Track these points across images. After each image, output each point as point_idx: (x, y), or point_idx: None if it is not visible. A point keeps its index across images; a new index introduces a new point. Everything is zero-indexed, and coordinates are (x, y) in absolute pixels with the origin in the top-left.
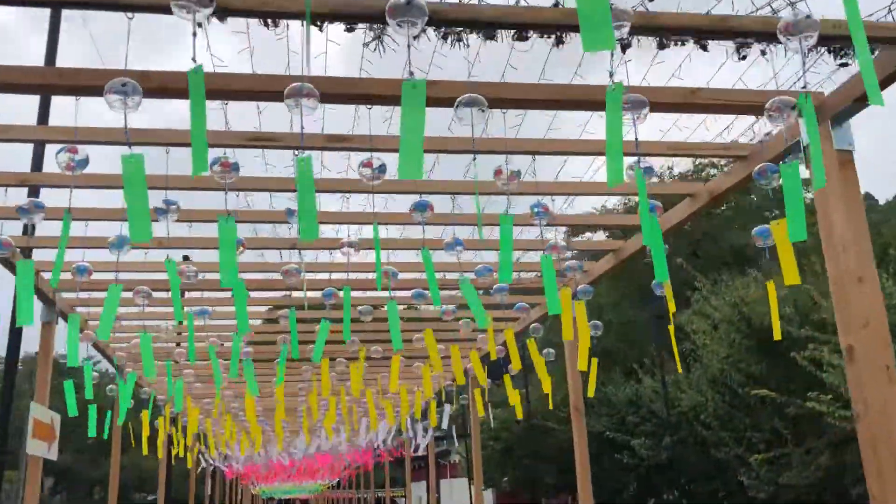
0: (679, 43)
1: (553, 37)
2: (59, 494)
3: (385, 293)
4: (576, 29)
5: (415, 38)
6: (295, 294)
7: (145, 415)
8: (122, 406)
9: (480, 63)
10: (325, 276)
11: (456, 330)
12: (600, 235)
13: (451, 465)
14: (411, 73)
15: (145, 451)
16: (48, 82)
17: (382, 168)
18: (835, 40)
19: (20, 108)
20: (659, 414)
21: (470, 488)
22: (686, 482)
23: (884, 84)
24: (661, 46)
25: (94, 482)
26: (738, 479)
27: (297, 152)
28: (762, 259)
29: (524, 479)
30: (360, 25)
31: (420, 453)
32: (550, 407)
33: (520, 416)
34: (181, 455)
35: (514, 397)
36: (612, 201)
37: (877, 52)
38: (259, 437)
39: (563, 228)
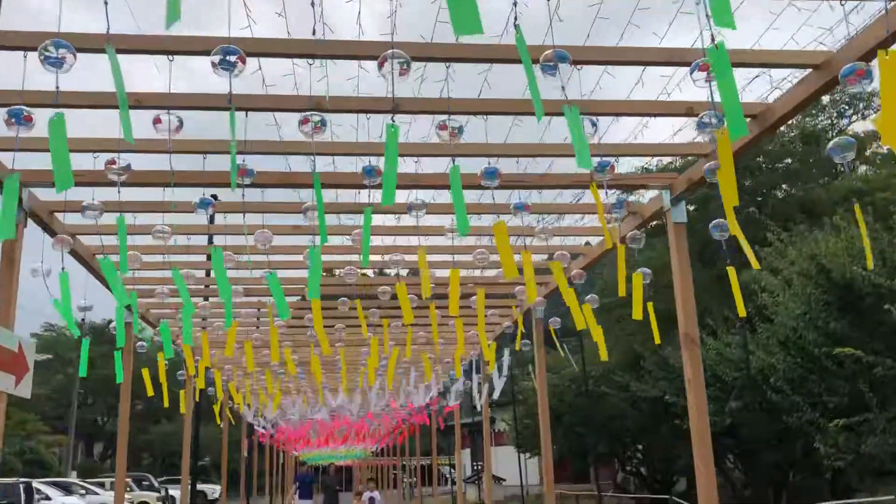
0: None
1: None
2: (109, 459)
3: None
4: None
5: None
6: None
7: (160, 357)
8: (118, 332)
9: None
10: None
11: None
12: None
13: (495, 434)
14: None
15: (166, 403)
16: None
17: None
18: None
19: None
20: (723, 377)
21: (519, 457)
22: (747, 451)
23: None
24: None
25: (142, 448)
26: (805, 449)
27: None
28: (838, 212)
29: (575, 447)
30: None
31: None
32: (655, 334)
33: (604, 356)
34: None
35: (597, 332)
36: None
37: None
38: (291, 365)
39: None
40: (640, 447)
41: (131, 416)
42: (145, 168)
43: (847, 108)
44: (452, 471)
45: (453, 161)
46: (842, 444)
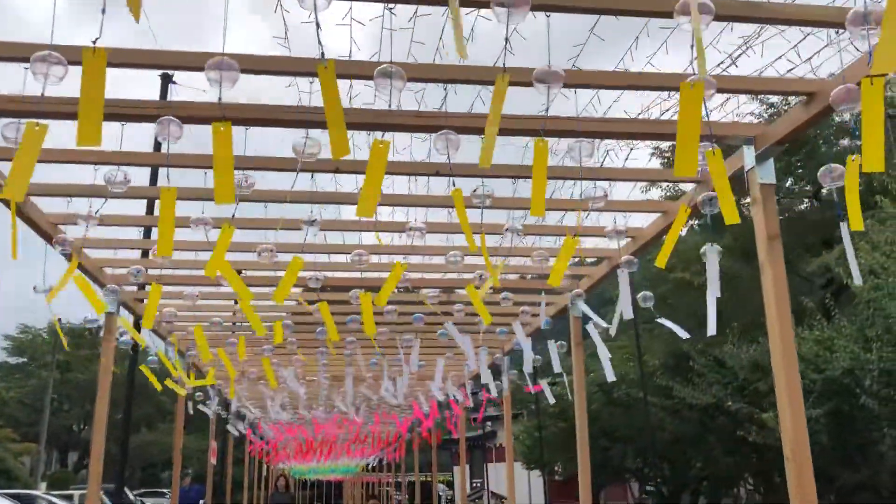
0: None
1: None
2: (84, 470)
3: None
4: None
5: None
6: None
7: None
8: None
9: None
10: None
11: None
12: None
13: (497, 449)
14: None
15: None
16: None
17: None
18: None
19: None
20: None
21: (529, 476)
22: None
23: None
24: None
25: (109, 457)
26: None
27: None
28: None
29: (599, 463)
30: None
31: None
32: None
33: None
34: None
35: None
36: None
37: None
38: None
39: None
40: (665, 464)
41: (109, 425)
42: None
43: None
44: (445, 488)
45: None
46: None
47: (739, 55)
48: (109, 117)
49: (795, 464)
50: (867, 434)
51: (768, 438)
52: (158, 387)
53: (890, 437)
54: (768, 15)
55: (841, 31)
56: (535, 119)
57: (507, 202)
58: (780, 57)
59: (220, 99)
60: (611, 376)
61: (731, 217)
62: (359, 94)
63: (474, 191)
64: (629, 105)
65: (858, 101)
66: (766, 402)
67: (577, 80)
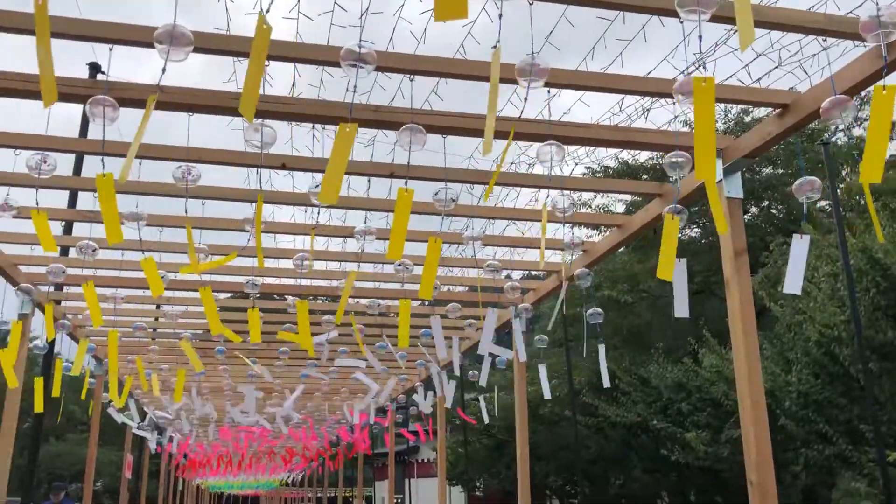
0: None
1: None
2: None
3: None
4: None
5: None
6: None
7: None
8: None
9: None
10: None
11: None
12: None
13: (419, 464)
14: None
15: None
16: None
17: None
18: None
19: None
20: (720, 401)
21: (450, 491)
22: (734, 490)
23: None
24: None
25: (16, 469)
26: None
27: None
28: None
29: (516, 479)
30: None
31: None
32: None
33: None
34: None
35: None
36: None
37: None
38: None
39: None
40: (585, 482)
41: (17, 435)
42: None
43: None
44: None
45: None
46: None
47: (708, 59)
48: (32, 95)
49: (760, 489)
50: (783, 455)
51: (689, 458)
52: (40, 407)
53: (804, 458)
54: (761, 18)
55: (825, 38)
56: (507, 121)
57: (466, 210)
58: (748, 64)
59: (163, 69)
60: (547, 394)
61: (665, 273)
62: (301, 93)
63: (436, 194)
64: (584, 111)
65: (849, 112)
66: (689, 422)
67: (555, 78)
